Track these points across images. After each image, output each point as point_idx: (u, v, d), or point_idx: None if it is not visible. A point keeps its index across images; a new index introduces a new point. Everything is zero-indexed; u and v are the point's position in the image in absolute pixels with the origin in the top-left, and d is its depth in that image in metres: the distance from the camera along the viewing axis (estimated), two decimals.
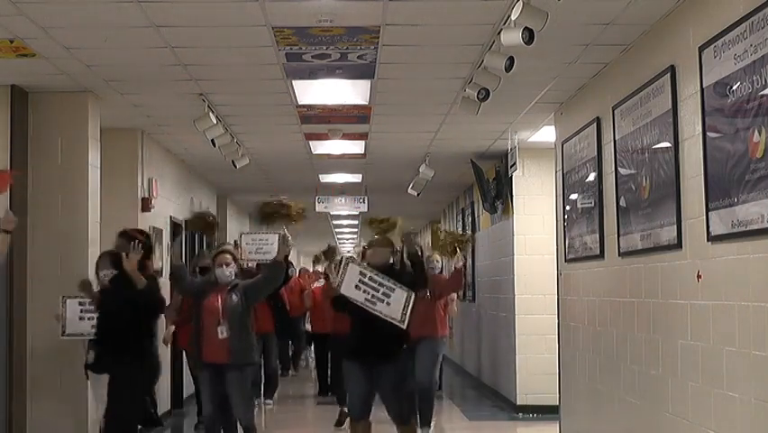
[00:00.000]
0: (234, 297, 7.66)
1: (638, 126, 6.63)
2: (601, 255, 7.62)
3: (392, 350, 7.52)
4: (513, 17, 5.69)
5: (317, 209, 16.14)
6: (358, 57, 7.16)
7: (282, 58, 7.17)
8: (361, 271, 7.38)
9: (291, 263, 11.96)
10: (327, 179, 14.78)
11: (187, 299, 8.78)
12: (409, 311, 7.31)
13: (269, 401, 12.20)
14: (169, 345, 10.41)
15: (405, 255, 8.00)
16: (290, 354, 17.18)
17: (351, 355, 7.66)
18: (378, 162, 12.95)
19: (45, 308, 8.11)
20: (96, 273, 7.66)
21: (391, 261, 7.79)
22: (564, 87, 8.26)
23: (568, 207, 8.75)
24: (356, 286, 7.35)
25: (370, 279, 7.36)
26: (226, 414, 7.76)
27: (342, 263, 7.64)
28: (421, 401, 9.57)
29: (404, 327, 7.33)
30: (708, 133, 5.37)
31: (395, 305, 7.32)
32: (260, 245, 11.57)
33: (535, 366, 11.26)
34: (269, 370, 12.01)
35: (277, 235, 11.80)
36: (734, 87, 5.01)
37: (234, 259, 8.02)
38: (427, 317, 9.38)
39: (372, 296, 7.33)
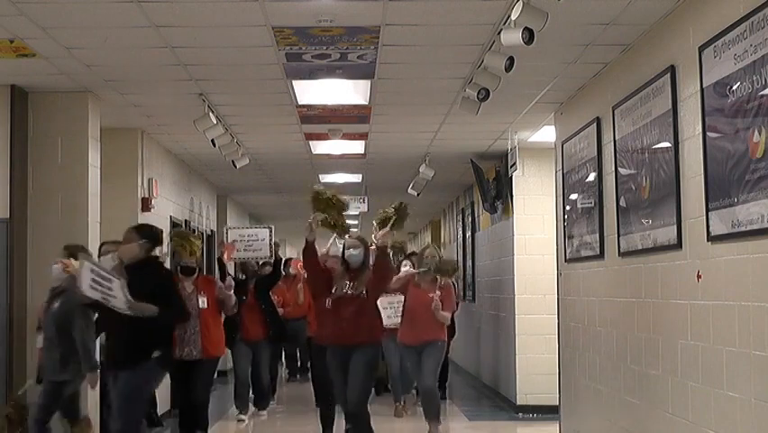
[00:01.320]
0: (56, 303, 7.07)
1: (638, 126, 6.63)
2: (601, 255, 7.62)
3: (125, 358, 6.59)
4: (513, 17, 5.69)
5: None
6: (358, 57, 7.16)
7: (282, 58, 7.17)
8: (92, 269, 6.59)
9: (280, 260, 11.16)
10: (327, 179, 14.77)
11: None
12: (128, 296, 6.40)
13: (262, 413, 11.48)
14: None
15: None
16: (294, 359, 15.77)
17: None
18: (378, 162, 12.95)
19: None
20: None
21: (144, 255, 6.85)
22: (564, 87, 8.26)
23: (568, 207, 8.75)
24: (91, 286, 6.53)
25: (99, 274, 6.55)
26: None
27: (79, 262, 6.76)
28: (353, 425, 7.97)
29: (130, 313, 6.44)
30: (708, 133, 5.37)
31: (119, 296, 6.48)
32: (250, 242, 10.67)
33: (535, 366, 11.25)
34: (259, 380, 11.21)
35: (267, 230, 10.78)
36: (734, 87, 5.01)
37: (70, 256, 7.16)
38: (361, 320, 7.83)
39: (105, 293, 6.50)
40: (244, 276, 10.94)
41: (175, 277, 8.77)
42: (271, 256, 11.03)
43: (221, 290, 8.98)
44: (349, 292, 7.89)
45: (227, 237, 10.85)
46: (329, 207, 8.44)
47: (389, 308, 10.08)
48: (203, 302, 8.74)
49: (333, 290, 7.91)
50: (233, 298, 9.15)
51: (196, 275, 8.88)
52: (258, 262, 11.16)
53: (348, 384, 7.80)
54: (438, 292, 9.25)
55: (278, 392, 13.66)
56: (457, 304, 12.99)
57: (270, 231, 10.88)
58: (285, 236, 27.99)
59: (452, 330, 12.53)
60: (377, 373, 8.58)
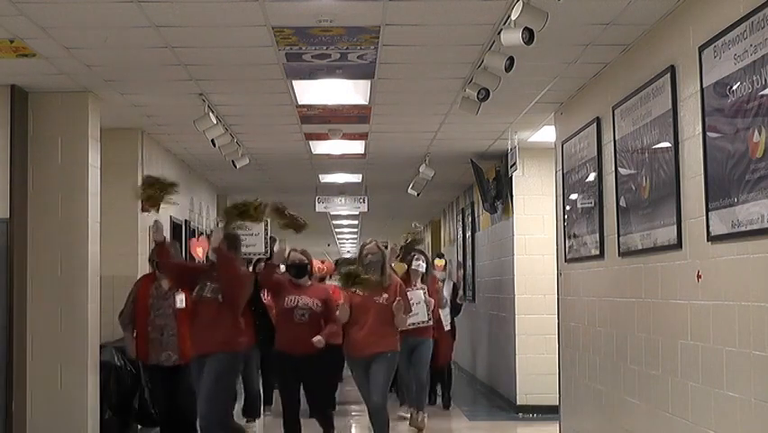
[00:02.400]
0: None
1: (638, 126, 6.63)
2: (601, 255, 7.62)
3: None
4: (513, 17, 5.69)
5: (317, 209, 16.14)
6: (358, 57, 7.16)
7: (282, 58, 7.17)
8: None
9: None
10: (327, 179, 14.79)
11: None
12: None
13: (250, 424, 10.26)
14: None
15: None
16: None
17: None
18: (378, 162, 12.95)
19: (45, 308, 8.12)
20: None
21: None
22: (564, 87, 8.26)
23: (568, 207, 8.75)
24: None
25: None
26: None
27: None
28: None
29: None
30: (708, 133, 5.37)
31: None
32: (243, 236, 9.78)
33: (535, 366, 11.26)
34: (249, 387, 10.35)
35: (262, 224, 9.81)
36: (734, 87, 5.01)
37: None
38: (215, 325, 7.20)
39: None
40: None
41: (151, 274, 8.22)
42: (266, 252, 10.66)
43: None
44: (208, 295, 7.31)
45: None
46: (156, 192, 7.45)
47: None
48: (180, 301, 7.99)
49: (194, 291, 7.41)
50: None
51: None
52: (250, 259, 10.48)
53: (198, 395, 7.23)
54: (385, 295, 7.82)
55: (275, 402, 12.92)
56: (460, 306, 12.78)
57: (266, 225, 10.07)
58: (285, 236, 27.99)
59: (452, 334, 12.38)
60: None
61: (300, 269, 8.22)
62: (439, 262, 12.68)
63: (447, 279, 12.82)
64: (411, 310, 8.36)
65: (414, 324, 9.41)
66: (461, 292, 12.91)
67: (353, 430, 11.05)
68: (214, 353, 7.19)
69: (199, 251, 10.02)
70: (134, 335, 8.33)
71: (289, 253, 8.31)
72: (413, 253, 10.21)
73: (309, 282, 8.33)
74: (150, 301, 8.13)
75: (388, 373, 7.92)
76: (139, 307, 8.19)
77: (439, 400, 12.29)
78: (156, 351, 8.05)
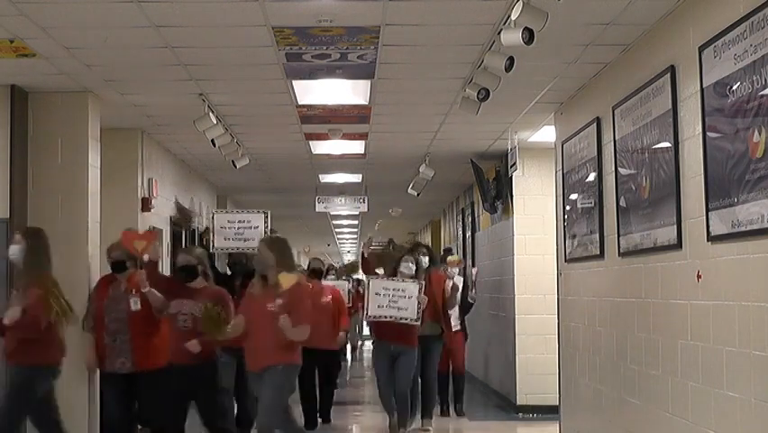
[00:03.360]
0: None
1: (638, 126, 6.64)
2: (601, 255, 7.62)
3: None
4: (513, 17, 5.69)
5: (317, 209, 16.15)
6: (358, 57, 7.17)
7: (282, 58, 7.17)
8: None
9: None
10: (327, 179, 14.79)
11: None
12: None
13: None
14: None
15: None
16: None
17: None
18: (378, 162, 12.96)
19: None
20: None
21: None
22: (564, 87, 8.27)
23: (568, 207, 8.75)
24: None
25: None
26: None
27: None
28: None
29: None
30: (708, 133, 5.37)
31: None
32: (240, 229, 8.84)
33: (535, 366, 11.26)
34: (244, 396, 9.02)
35: (261, 216, 8.91)
36: (734, 87, 5.01)
37: None
38: (23, 334, 6.72)
39: None
40: (231, 272, 9.53)
41: (110, 275, 7.68)
42: None
43: (142, 282, 7.30)
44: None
45: (213, 223, 9.16)
46: None
47: (383, 296, 8.97)
48: (134, 303, 7.35)
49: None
50: (156, 295, 7.35)
51: (130, 271, 7.48)
52: (247, 255, 9.30)
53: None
54: (279, 301, 6.80)
55: None
56: (471, 305, 12.37)
57: (266, 217, 9.05)
58: (284, 237, 27.98)
59: (464, 336, 12.08)
60: None
61: (189, 271, 7.45)
62: (453, 259, 11.80)
63: (458, 276, 12.25)
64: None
65: (398, 318, 8.96)
66: (471, 292, 12.15)
67: (354, 430, 11.05)
68: (28, 366, 6.75)
69: (136, 244, 7.86)
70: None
71: (178, 255, 7.79)
72: (402, 255, 9.57)
73: (204, 285, 7.49)
74: (105, 303, 7.46)
75: (275, 391, 6.83)
76: (97, 310, 7.51)
77: (450, 408, 11.64)
78: (111, 357, 7.39)
